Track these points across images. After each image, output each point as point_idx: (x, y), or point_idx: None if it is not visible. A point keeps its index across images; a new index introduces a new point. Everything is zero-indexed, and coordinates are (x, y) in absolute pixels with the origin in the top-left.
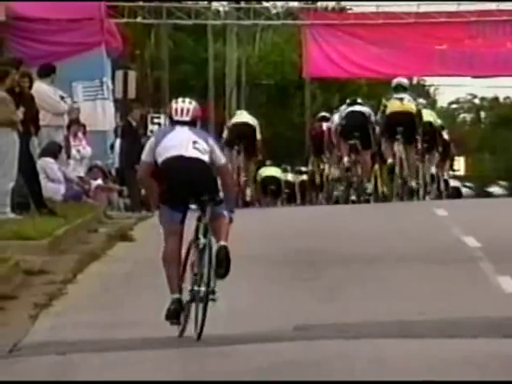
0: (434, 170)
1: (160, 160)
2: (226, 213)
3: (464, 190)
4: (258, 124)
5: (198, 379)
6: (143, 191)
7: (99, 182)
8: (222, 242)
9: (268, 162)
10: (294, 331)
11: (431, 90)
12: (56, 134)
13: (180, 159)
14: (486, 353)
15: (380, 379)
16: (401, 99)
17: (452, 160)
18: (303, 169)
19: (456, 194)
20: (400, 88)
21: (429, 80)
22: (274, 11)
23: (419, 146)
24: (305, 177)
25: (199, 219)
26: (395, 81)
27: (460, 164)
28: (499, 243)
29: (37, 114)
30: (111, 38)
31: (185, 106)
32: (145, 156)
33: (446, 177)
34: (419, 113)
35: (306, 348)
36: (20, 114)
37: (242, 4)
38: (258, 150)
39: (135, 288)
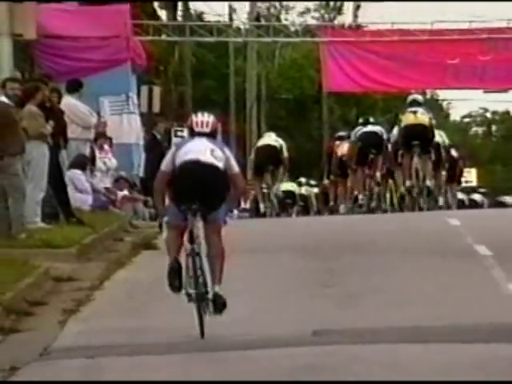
0: (429, 183)
1: (177, 163)
2: (221, 217)
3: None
4: (284, 144)
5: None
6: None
7: (125, 192)
8: (217, 288)
9: (284, 178)
10: (312, 336)
11: (444, 104)
12: (84, 147)
13: (197, 163)
14: (498, 357)
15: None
16: (414, 112)
17: (460, 175)
18: (312, 182)
19: (475, 205)
20: (415, 103)
21: (442, 95)
22: (292, 29)
23: (433, 156)
24: (316, 190)
25: (191, 230)
26: (411, 97)
27: (472, 175)
28: (510, 252)
29: (65, 128)
30: (136, 55)
31: (204, 119)
32: (164, 166)
33: (454, 191)
34: (432, 125)
35: (324, 352)
36: (49, 127)
37: (262, 22)
38: (284, 168)
39: (159, 294)
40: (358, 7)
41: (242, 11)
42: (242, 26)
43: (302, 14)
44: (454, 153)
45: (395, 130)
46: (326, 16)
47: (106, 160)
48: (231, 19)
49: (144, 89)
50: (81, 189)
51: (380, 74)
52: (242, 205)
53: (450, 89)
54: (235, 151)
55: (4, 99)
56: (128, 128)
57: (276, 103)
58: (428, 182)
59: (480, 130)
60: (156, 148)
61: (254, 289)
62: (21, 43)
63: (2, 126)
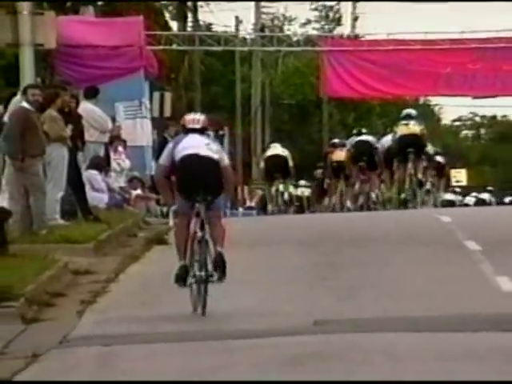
0: (420, 176)
1: (177, 158)
2: (221, 205)
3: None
4: (289, 154)
5: (228, 369)
6: None
7: (138, 191)
8: (219, 248)
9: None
10: (314, 326)
11: (436, 109)
12: (100, 150)
13: (195, 156)
14: (486, 345)
15: (393, 369)
16: (407, 124)
17: (448, 179)
18: (302, 182)
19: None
20: (407, 117)
21: (434, 100)
22: (294, 39)
23: (425, 163)
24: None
25: (197, 214)
26: (405, 111)
27: (463, 175)
28: (498, 246)
29: (82, 131)
30: (149, 63)
31: (196, 117)
32: (162, 160)
33: (441, 193)
34: (423, 134)
35: (326, 341)
36: (69, 130)
37: (267, 32)
38: (291, 175)
39: (171, 286)
40: (355, 18)
41: (248, 22)
42: (247, 36)
43: (303, 24)
44: (440, 159)
45: (385, 138)
46: (326, 27)
47: (120, 161)
48: (237, 30)
49: (156, 95)
50: (97, 188)
51: (376, 82)
52: (248, 203)
53: (442, 96)
54: (241, 152)
55: (25, 105)
56: (141, 131)
57: (279, 108)
58: (419, 175)
59: (469, 133)
60: None
61: (259, 280)
62: (41, 52)
63: (24, 129)
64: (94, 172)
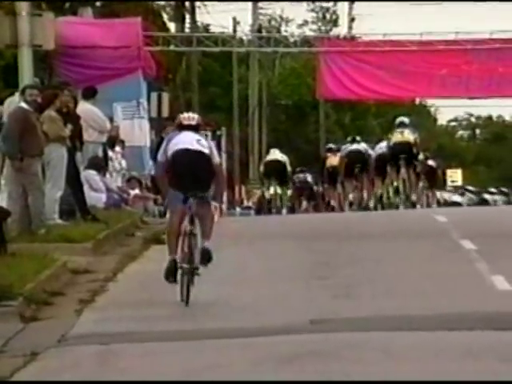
0: (414, 197)
1: (170, 153)
2: (210, 198)
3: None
4: (287, 159)
5: (225, 367)
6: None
7: (136, 191)
8: (206, 244)
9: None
10: (311, 324)
11: (432, 109)
12: (99, 150)
13: (186, 151)
14: (481, 343)
15: (389, 367)
16: (401, 132)
17: (444, 181)
18: None
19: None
20: (401, 124)
21: (430, 101)
22: (291, 40)
23: (417, 169)
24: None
25: (189, 208)
26: (398, 119)
27: (458, 175)
28: (493, 246)
29: (81, 131)
30: (147, 64)
31: (190, 115)
32: (160, 156)
33: (434, 194)
34: (416, 143)
35: (322, 339)
36: (68, 130)
37: (264, 33)
38: (289, 179)
39: (168, 285)
40: (352, 20)
41: (245, 23)
42: (244, 37)
43: (300, 26)
44: (431, 163)
45: (379, 145)
46: (323, 28)
47: (116, 162)
48: (235, 31)
49: (154, 95)
50: (96, 188)
51: (372, 83)
52: (245, 203)
53: (438, 98)
54: (238, 152)
55: (24, 105)
56: (139, 132)
57: (276, 108)
58: (413, 197)
59: (465, 133)
60: None
61: (255, 279)
62: (40, 53)
63: (22, 129)
64: (93, 172)
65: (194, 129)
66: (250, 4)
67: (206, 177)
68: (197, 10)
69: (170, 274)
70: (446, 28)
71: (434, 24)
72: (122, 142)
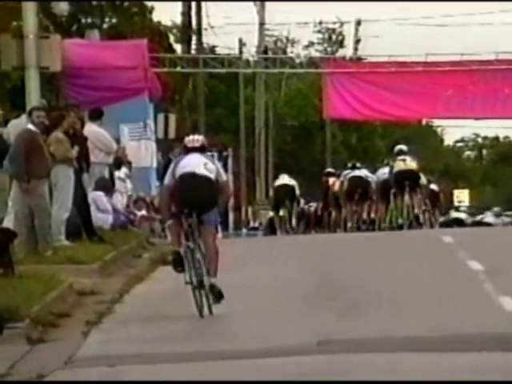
0: (417, 211)
1: (177, 175)
2: (213, 220)
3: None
4: (296, 183)
5: None
6: None
7: (143, 212)
8: (212, 280)
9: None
10: (317, 346)
11: (438, 130)
12: (105, 171)
13: (193, 175)
14: (490, 365)
15: None
16: (404, 160)
17: (445, 203)
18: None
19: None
20: (401, 152)
21: (436, 121)
22: (297, 61)
23: (420, 195)
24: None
25: (189, 226)
26: (397, 147)
27: (465, 195)
28: (500, 266)
29: (87, 153)
30: (153, 85)
31: (195, 137)
32: (167, 179)
33: (437, 218)
34: (418, 169)
35: (329, 361)
36: (75, 152)
37: (270, 54)
38: (298, 202)
39: (176, 307)
40: (358, 41)
41: (251, 45)
42: (251, 58)
43: (306, 47)
44: (434, 187)
45: (381, 171)
46: (329, 49)
47: (121, 184)
48: (241, 52)
49: (160, 116)
50: (102, 209)
51: (378, 103)
52: (251, 224)
53: (443, 118)
54: (245, 173)
55: (31, 126)
56: (145, 153)
57: (283, 129)
58: (416, 210)
59: (472, 153)
60: None
61: (262, 302)
62: (47, 75)
63: (29, 151)
64: (100, 193)
65: (200, 150)
66: (256, 26)
67: (208, 201)
68: (203, 32)
69: (178, 264)
70: (452, 49)
71: (440, 45)
72: (129, 163)
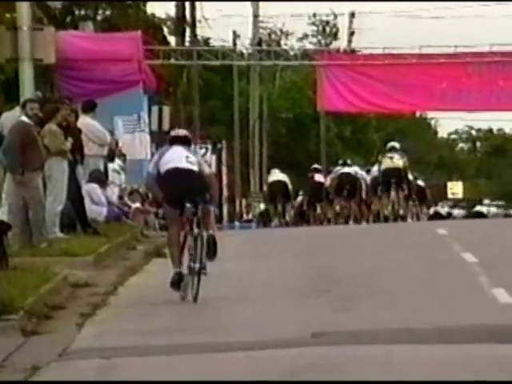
0: (401, 212)
1: (162, 170)
2: (212, 208)
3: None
4: (288, 178)
5: (226, 381)
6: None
7: (137, 204)
8: (211, 231)
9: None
10: (312, 338)
11: (432, 122)
12: (100, 163)
13: (176, 170)
14: (482, 356)
15: (390, 380)
16: (391, 158)
17: (427, 199)
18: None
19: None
20: (392, 149)
21: (430, 113)
22: (292, 53)
23: (406, 191)
24: None
25: (194, 214)
26: (389, 144)
27: (459, 188)
28: (494, 258)
29: (81, 145)
30: (147, 77)
31: (180, 130)
32: (151, 169)
33: (424, 211)
34: (405, 167)
35: (324, 353)
36: (69, 144)
37: (264, 47)
38: (291, 197)
39: (170, 298)
40: (352, 33)
41: (245, 37)
42: (245, 51)
43: (300, 39)
44: (421, 183)
45: (374, 169)
46: (323, 41)
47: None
48: (235, 44)
49: (155, 109)
50: (97, 201)
51: (372, 96)
52: (245, 216)
53: (438, 111)
54: (239, 165)
55: (25, 119)
56: (140, 145)
57: (277, 122)
58: (401, 211)
59: (466, 146)
60: None
61: (258, 295)
62: (41, 67)
63: (23, 143)
64: (94, 185)
65: (183, 142)
66: (250, 18)
67: (199, 187)
68: (197, 24)
69: (176, 284)
70: (446, 41)
71: (434, 37)
72: (124, 155)
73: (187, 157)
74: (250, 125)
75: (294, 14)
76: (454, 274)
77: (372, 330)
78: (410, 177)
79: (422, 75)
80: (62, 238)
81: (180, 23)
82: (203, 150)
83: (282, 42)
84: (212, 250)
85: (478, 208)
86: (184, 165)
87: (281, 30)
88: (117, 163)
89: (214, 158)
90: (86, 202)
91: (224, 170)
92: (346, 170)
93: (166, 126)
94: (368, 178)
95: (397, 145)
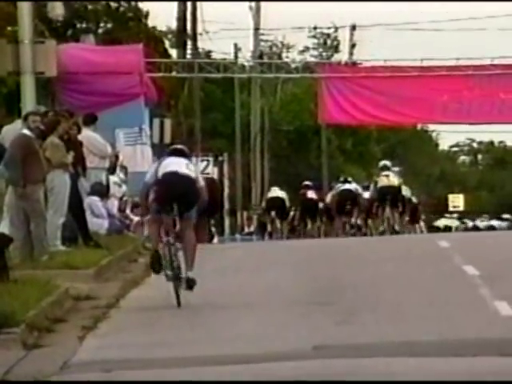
0: (397, 227)
1: (160, 174)
2: (193, 216)
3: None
4: (286, 196)
5: None
6: None
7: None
8: (189, 273)
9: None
10: (313, 350)
11: (433, 135)
12: (102, 176)
13: (175, 173)
14: (484, 370)
15: None
16: (387, 176)
17: (419, 216)
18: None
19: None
20: (385, 168)
21: (431, 126)
22: (293, 65)
23: (400, 208)
24: None
25: (173, 221)
26: (381, 163)
27: (460, 201)
28: (496, 271)
29: (83, 158)
30: (149, 90)
31: (178, 145)
32: (148, 178)
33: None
34: (400, 185)
35: (324, 365)
36: (70, 157)
37: (265, 59)
38: (288, 213)
39: (171, 311)
40: (353, 46)
41: (247, 50)
42: (246, 63)
43: (301, 52)
44: (414, 200)
45: (371, 188)
46: (324, 54)
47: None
48: (236, 57)
49: (156, 121)
50: (98, 214)
51: (373, 108)
52: (246, 229)
53: (439, 123)
54: (240, 178)
55: (26, 131)
56: (141, 158)
57: (278, 134)
58: (396, 227)
59: (467, 158)
60: None
61: (259, 308)
62: (42, 80)
63: (25, 156)
64: (95, 198)
65: (182, 153)
66: (251, 30)
67: (189, 198)
68: (198, 37)
69: (156, 264)
70: (447, 54)
71: (435, 50)
72: (125, 168)
73: (187, 164)
74: (252, 137)
75: (295, 26)
76: (455, 286)
77: (374, 343)
78: (408, 193)
79: (424, 88)
80: (63, 251)
81: (181, 36)
82: (205, 163)
83: (283, 55)
84: (191, 287)
85: (492, 222)
86: (184, 170)
87: (282, 43)
88: (117, 176)
89: (215, 170)
90: (88, 214)
91: (226, 182)
92: (347, 186)
93: (167, 138)
94: (366, 194)
95: (389, 163)
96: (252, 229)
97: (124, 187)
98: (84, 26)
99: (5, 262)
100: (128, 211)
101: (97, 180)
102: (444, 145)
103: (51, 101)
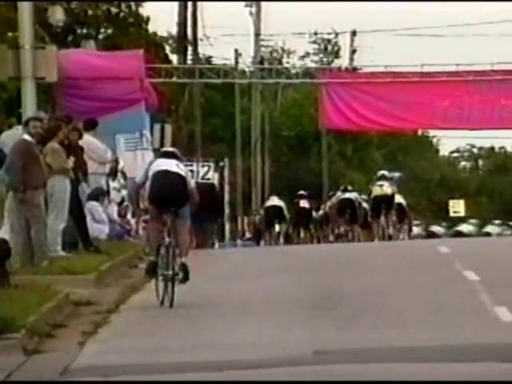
0: (391, 231)
1: (151, 173)
2: (187, 214)
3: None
4: (284, 205)
5: None
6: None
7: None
8: (183, 259)
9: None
10: (314, 356)
11: (434, 140)
12: (102, 181)
13: (166, 172)
14: (485, 375)
15: None
16: (381, 185)
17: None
18: None
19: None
20: (382, 178)
21: (432, 131)
22: (293, 71)
23: (394, 217)
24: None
25: (164, 223)
26: (379, 172)
27: (461, 206)
28: (496, 277)
29: (84, 163)
30: (149, 95)
31: (169, 147)
32: (139, 178)
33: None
34: (393, 194)
35: (326, 371)
36: (71, 162)
37: (266, 65)
38: (287, 223)
39: (171, 317)
40: (353, 51)
41: (247, 55)
42: (246, 69)
43: (302, 57)
44: (402, 202)
45: (367, 198)
46: (325, 59)
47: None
48: (237, 62)
49: (157, 127)
50: (98, 219)
51: (374, 114)
52: (247, 235)
53: (439, 129)
54: (241, 183)
55: (26, 137)
56: (141, 163)
57: (279, 139)
58: (390, 231)
59: (467, 164)
60: None
61: (261, 313)
62: (43, 86)
63: (25, 161)
64: (95, 203)
65: (173, 155)
66: (252, 36)
67: (181, 196)
68: (199, 42)
69: (151, 271)
70: (448, 60)
71: (436, 56)
72: (123, 173)
73: (177, 164)
74: (252, 143)
75: (296, 32)
76: (456, 292)
77: (375, 348)
78: (402, 201)
79: (424, 93)
80: (63, 257)
81: (182, 41)
82: (206, 168)
83: (284, 60)
84: (183, 276)
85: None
86: (174, 169)
87: (282, 49)
88: (118, 181)
89: (216, 175)
90: (88, 220)
91: (226, 187)
92: (347, 195)
93: (168, 144)
94: (365, 204)
95: (387, 173)
96: (250, 235)
97: (123, 192)
98: (84, 31)
99: (5, 267)
100: (129, 216)
101: (97, 185)
102: (444, 150)
103: (51, 106)
